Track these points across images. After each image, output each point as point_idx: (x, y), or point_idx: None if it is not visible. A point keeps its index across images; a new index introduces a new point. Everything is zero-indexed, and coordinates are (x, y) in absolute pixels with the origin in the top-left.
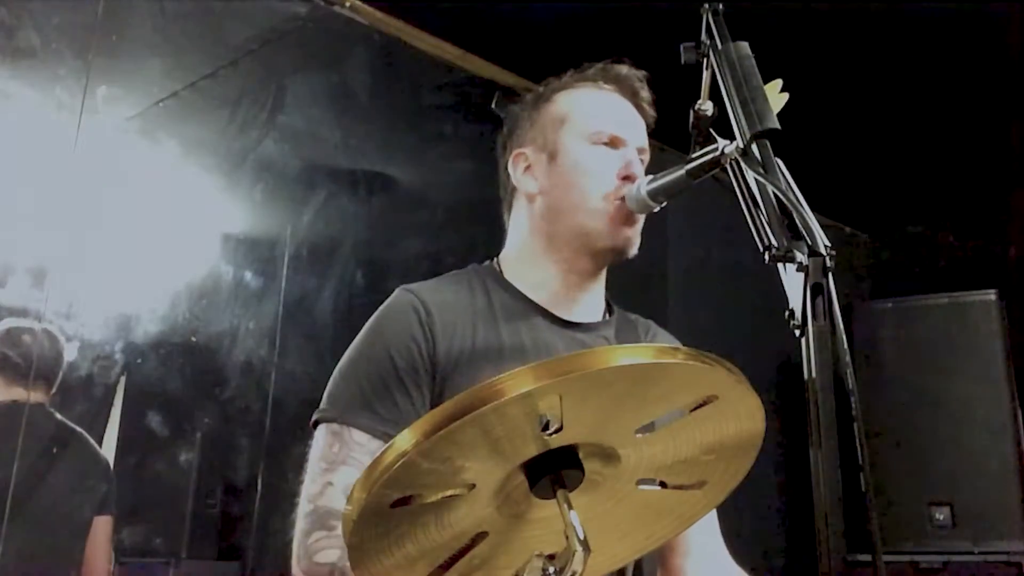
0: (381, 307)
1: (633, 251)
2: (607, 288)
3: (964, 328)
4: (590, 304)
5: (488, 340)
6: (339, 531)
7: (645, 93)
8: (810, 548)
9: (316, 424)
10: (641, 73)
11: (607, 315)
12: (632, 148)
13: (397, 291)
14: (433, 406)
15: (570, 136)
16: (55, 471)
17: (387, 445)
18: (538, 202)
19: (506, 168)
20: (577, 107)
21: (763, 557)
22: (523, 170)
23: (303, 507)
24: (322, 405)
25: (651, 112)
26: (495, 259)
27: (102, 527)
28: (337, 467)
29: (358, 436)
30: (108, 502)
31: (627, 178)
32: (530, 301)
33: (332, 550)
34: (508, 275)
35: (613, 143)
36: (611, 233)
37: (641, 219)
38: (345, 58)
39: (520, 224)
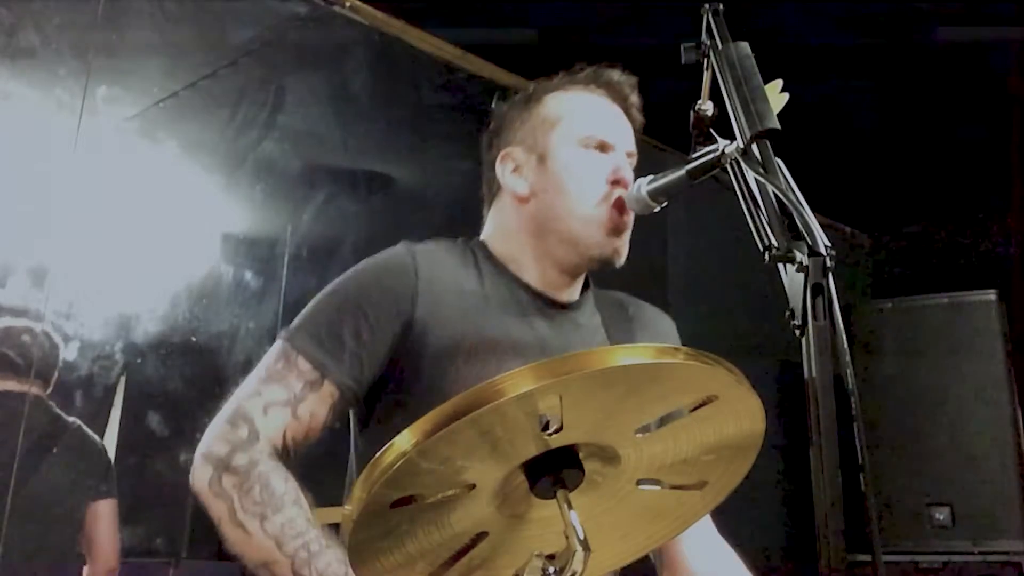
0: (379, 255)
1: (620, 262)
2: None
3: (964, 328)
4: (572, 289)
5: (476, 329)
6: (243, 433)
7: (635, 98)
8: (810, 548)
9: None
10: (633, 79)
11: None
12: (621, 153)
13: (400, 246)
14: (386, 374)
15: (560, 139)
16: (52, 458)
17: (387, 445)
18: (529, 204)
19: (492, 165)
20: (568, 110)
21: (763, 557)
22: (511, 170)
23: (231, 400)
24: (291, 324)
25: (640, 118)
26: (479, 239)
27: (105, 509)
28: (271, 383)
29: (302, 363)
30: (109, 486)
31: (616, 182)
32: (520, 282)
33: (225, 445)
34: (497, 257)
35: (602, 147)
36: (600, 243)
37: (629, 229)
38: (345, 58)
39: (507, 221)
